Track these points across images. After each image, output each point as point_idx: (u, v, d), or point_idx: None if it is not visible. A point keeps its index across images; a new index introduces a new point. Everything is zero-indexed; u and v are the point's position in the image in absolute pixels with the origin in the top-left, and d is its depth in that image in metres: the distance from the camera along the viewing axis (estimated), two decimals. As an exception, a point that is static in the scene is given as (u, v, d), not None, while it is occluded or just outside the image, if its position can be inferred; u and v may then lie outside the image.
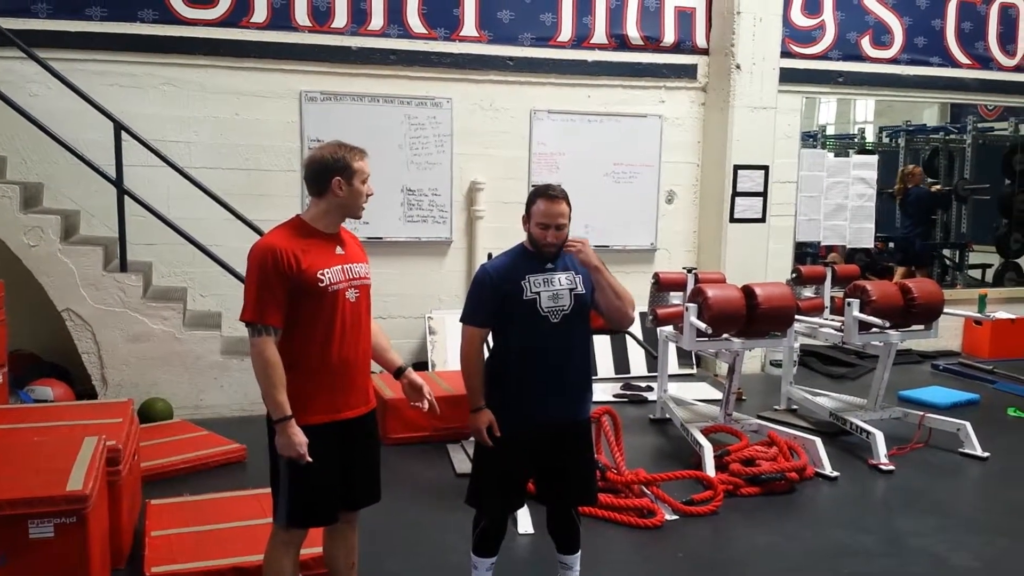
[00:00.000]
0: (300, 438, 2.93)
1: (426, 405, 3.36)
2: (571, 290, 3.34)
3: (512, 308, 3.30)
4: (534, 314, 3.28)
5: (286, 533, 3.11)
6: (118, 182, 6.06)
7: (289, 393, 2.95)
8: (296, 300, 2.95)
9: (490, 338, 3.46)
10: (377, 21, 7.11)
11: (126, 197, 6.09)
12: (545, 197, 3.31)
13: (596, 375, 7.38)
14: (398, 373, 3.36)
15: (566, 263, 3.40)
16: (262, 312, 2.93)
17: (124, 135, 6.08)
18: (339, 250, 3.08)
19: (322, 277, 2.98)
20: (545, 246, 3.31)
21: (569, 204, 3.34)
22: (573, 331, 3.37)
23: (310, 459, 2.94)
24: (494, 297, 3.33)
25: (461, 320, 3.41)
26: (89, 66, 6.50)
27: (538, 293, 3.30)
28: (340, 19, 7.02)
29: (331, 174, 3.01)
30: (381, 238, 7.25)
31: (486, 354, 3.45)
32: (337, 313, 3.03)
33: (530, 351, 3.32)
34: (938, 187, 10.88)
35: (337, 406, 3.07)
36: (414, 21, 7.19)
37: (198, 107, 6.82)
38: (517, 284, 3.30)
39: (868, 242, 8.93)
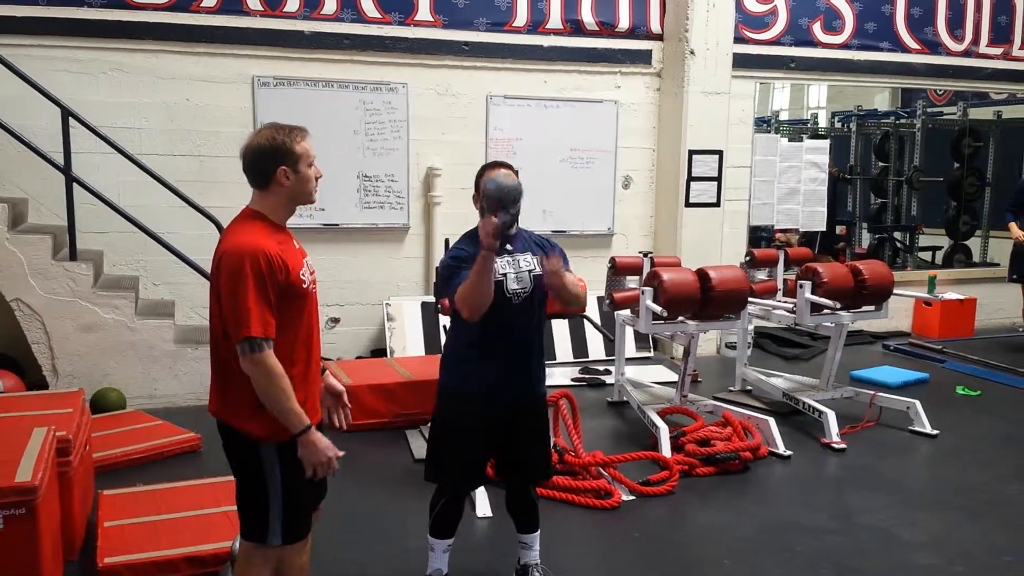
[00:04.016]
0: (327, 442, 2.72)
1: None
2: (530, 271, 3.35)
3: None
4: (500, 295, 3.26)
5: (274, 550, 2.82)
6: (66, 169, 5.95)
7: None
8: (282, 305, 2.70)
9: (446, 320, 3.45)
10: (330, 5, 7.03)
11: (75, 185, 5.98)
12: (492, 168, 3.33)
13: (554, 359, 7.43)
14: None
15: (525, 243, 3.41)
16: (266, 324, 2.62)
17: (72, 122, 5.96)
18: (296, 244, 2.88)
19: (303, 277, 2.77)
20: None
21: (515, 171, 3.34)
22: (534, 310, 3.40)
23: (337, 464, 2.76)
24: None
25: (443, 296, 3.28)
26: (35, 51, 6.34)
27: (505, 275, 3.29)
28: (292, 3, 6.92)
29: (274, 163, 2.75)
30: (338, 224, 7.21)
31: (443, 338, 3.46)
32: (314, 312, 2.86)
33: (495, 330, 3.30)
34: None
35: (317, 407, 2.92)
36: (368, 5, 7.12)
37: (148, 93, 6.70)
38: None
39: (820, 225, 9.04)
